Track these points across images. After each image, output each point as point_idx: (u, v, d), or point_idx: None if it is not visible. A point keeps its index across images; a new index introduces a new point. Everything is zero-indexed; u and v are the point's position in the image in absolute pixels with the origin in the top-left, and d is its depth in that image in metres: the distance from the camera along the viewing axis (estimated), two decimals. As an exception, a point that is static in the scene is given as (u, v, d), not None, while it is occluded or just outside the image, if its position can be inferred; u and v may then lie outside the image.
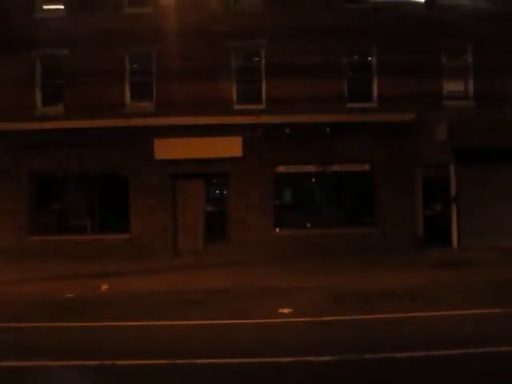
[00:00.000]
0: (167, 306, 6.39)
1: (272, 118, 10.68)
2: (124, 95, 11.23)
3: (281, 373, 3.76)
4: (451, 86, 11.33)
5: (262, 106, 11.14)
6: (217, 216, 11.32)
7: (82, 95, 10.80)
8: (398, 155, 10.91)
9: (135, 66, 11.50)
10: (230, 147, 10.70)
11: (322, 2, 11.15)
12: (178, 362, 3.95)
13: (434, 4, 11.25)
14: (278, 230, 11.10)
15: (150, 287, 7.49)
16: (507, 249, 9.75)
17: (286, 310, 5.78)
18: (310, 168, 11.32)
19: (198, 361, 3.96)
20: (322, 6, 11.03)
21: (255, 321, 5.35)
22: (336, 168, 11.26)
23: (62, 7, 11.46)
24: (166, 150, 10.75)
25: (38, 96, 11.35)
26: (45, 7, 11.48)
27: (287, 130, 10.65)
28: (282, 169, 11.24)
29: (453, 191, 11.15)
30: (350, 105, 11.10)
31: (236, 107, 11.14)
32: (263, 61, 11.26)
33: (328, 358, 3.95)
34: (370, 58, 11.40)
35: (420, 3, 11.32)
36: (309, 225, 11.26)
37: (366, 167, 11.31)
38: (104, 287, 7.55)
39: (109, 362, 3.94)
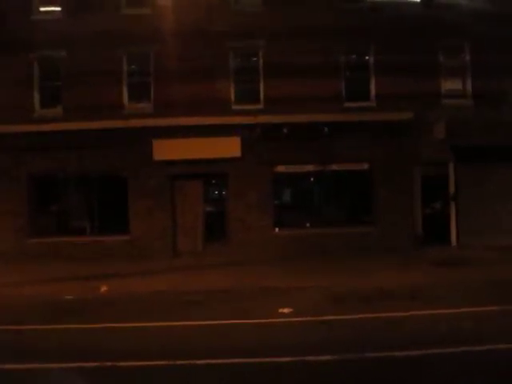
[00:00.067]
0: (167, 307, 6.39)
1: (270, 118, 10.68)
2: (122, 96, 11.22)
3: (281, 373, 3.77)
4: (449, 85, 11.35)
5: (260, 106, 11.14)
6: (216, 216, 11.32)
7: (80, 96, 10.78)
8: (396, 154, 10.92)
9: (133, 66, 11.49)
10: (229, 147, 10.70)
11: (319, 1, 11.14)
12: (178, 362, 3.95)
13: (431, 3, 11.27)
14: (277, 229, 11.10)
15: (149, 288, 7.48)
16: (505, 247, 9.77)
17: (285, 310, 5.79)
18: (309, 167, 11.33)
19: (198, 361, 3.97)
20: (320, 5, 11.02)
21: (255, 321, 5.36)
22: (335, 167, 11.27)
23: (59, 9, 11.44)
24: (165, 150, 10.74)
25: (36, 98, 11.34)
26: (42, 9, 11.45)
27: (285, 130, 10.65)
28: (280, 168, 11.24)
29: (452, 190, 11.17)
30: (348, 104, 11.11)
31: (234, 107, 11.14)
32: (261, 60, 11.25)
33: (328, 357, 3.96)
34: (367, 58, 11.41)
35: (418, 3, 11.35)
36: (308, 224, 11.27)
37: (365, 166, 11.32)
38: (103, 289, 7.55)
39: (109, 364, 3.95)
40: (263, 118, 10.72)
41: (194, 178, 11.07)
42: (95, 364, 3.95)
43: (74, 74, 10.91)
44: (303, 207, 11.40)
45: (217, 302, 6.54)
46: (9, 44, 10.71)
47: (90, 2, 11.24)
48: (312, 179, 11.64)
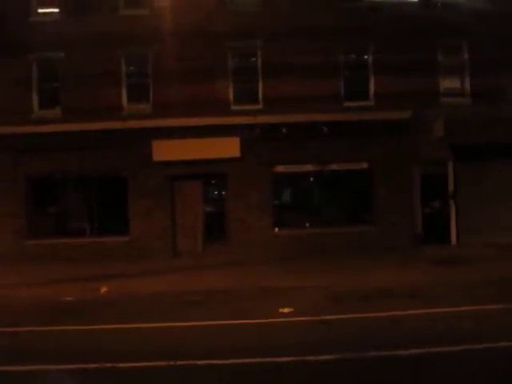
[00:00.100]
0: (167, 308, 6.39)
1: (269, 118, 10.69)
2: (121, 97, 11.21)
3: (281, 373, 3.77)
4: (448, 84, 11.36)
5: (259, 106, 11.14)
6: (216, 216, 11.32)
7: (78, 98, 10.78)
8: (395, 153, 10.92)
9: (132, 67, 11.49)
10: (228, 148, 10.70)
11: (318, 1, 11.14)
12: (179, 363, 3.95)
13: (429, 3, 11.28)
14: (277, 229, 11.10)
15: (149, 289, 7.48)
16: (505, 245, 9.79)
17: (286, 310, 5.80)
18: (309, 167, 11.33)
19: (199, 362, 3.97)
20: (319, 5, 11.03)
21: (255, 321, 5.36)
22: (334, 167, 11.27)
23: (57, 10, 11.43)
24: (164, 151, 10.74)
25: (35, 99, 11.33)
26: (40, 10, 11.44)
27: (284, 130, 10.66)
28: (280, 168, 11.24)
29: (451, 188, 11.18)
30: (347, 103, 11.11)
31: (233, 107, 11.14)
32: (260, 60, 11.25)
33: (328, 356, 3.96)
34: (366, 57, 11.41)
35: (416, 2, 11.35)
36: (308, 224, 11.28)
37: (364, 165, 11.33)
38: (103, 290, 7.54)
39: (109, 365, 3.94)
40: (262, 118, 10.72)
41: (193, 179, 11.07)
42: (95, 365, 3.95)
43: (72, 76, 10.91)
44: (303, 207, 11.41)
45: (217, 302, 6.54)
46: (7, 46, 10.71)
47: (88, 3, 11.24)
48: (311, 179, 11.64)
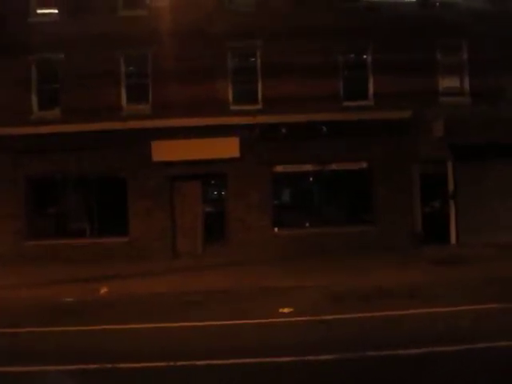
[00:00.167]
0: (167, 308, 6.39)
1: (268, 118, 10.69)
2: (120, 98, 11.21)
3: (281, 373, 3.77)
4: (447, 83, 11.36)
5: (259, 106, 11.14)
6: (215, 217, 11.31)
7: (78, 99, 10.78)
8: (395, 152, 10.92)
9: (131, 68, 11.49)
10: (228, 148, 10.70)
11: (317, 1, 11.14)
12: (179, 363, 3.96)
13: (427, 3, 11.28)
14: (276, 229, 11.10)
15: (149, 289, 7.48)
16: (504, 244, 9.79)
17: (285, 310, 5.80)
18: (308, 167, 11.33)
19: (199, 362, 3.97)
20: (318, 5, 11.02)
21: (255, 321, 5.36)
22: (334, 167, 11.27)
23: (56, 11, 11.43)
24: (164, 151, 10.74)
25: (34, 100, 11.33)
26: (39, 11, 11.44)
27: (284, 130, 10.66)
28: (279, 168, 11.24)
29: (450, 188, 11.19)
30: (346, 103, 11.11)
31: (233, 108, 11.14)
32: (259, 61, 11.25)
33: (328, 356, 3.96)
34: (365, 57, 11.41)
35: (416, 2, 11.35)
36: (307, 224, 11.28)
37: (364, 165, 11.32)
38: (103, 290, 7.54)
39: (109, 366, 3.94)
40: (262, 118, 10.72)
41: (192, 179, 11.06)
42: (95, 366, 3.95)
43: (71, 76, 10.92)
44: (302, 207, 11.40)
45: (217, 302, 6.54)
46: (6, 46, 10.72)
47: (87, 4, 11.22)
48: (311, 179, 11.64)
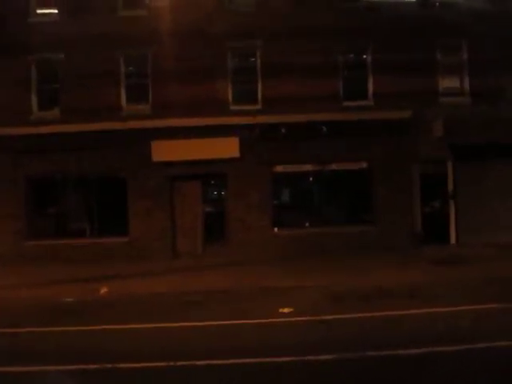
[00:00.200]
0: (167, 308, 6.39)
1: (268, 118, 10.69)
2: (120, 98, 11.21)
3: (281, 373, 3.77)
4: (447, 83, 11.36)
5: (258, 106, 11.14)
6: (215, 217, 11.31)
7: (78, 98, 10.78)
8: (395, 152, 10.92)
9: (131, 68, 11.49)
10: (228, 148, 10.70)
11: (317, 1, 11.14)
12: (179, 363, 3.96)
13: (427, 3, 11.29)
14: (276, 229, 11.10)
15: (149, 289, 7.48)
16: (504, 245, 9.79)
17: (285, 310, 5.80)
18: (308, 167, 11.33)
19: (199, 362, 3.97)
20: (318, 5, 11.02)
21: (255, 321, 5.36)
22: (333, 167, 11.27)
23: (56, 11, 11.43)
24: (164, 151, 10.74)
25: (34, 100, 11.33)
26: (39, 11, 11.44)
27: (283, 130, 10.66)
28: (279, 168, 11.24)
29: (450, 188, 11.19)
30: (346, 103, 11.11)
31: (232, 108, 11.14)
32: (259, 61, 11.25)
33: (327, 356, 3.97)
34: (365, 57, 11.41)
35: (415, 2, 11.36)
36: (307, 224, 11.27)
37: (364, 165, 11.32)
38: (103, 290, 7.54)
39: (109, 366, 3.94)
40: (262, 118, 10.72)
41: (192, 179, 11.06)
42: (95, 366, 3.95)
43: (71, 76, 10.92)
44: (302, 207, 11.40)
45: (217, 302, 6.54)
46: (6, 46, 10.72)
47: (87, 4, 11.23)
48: (311, 179, 11.64)
